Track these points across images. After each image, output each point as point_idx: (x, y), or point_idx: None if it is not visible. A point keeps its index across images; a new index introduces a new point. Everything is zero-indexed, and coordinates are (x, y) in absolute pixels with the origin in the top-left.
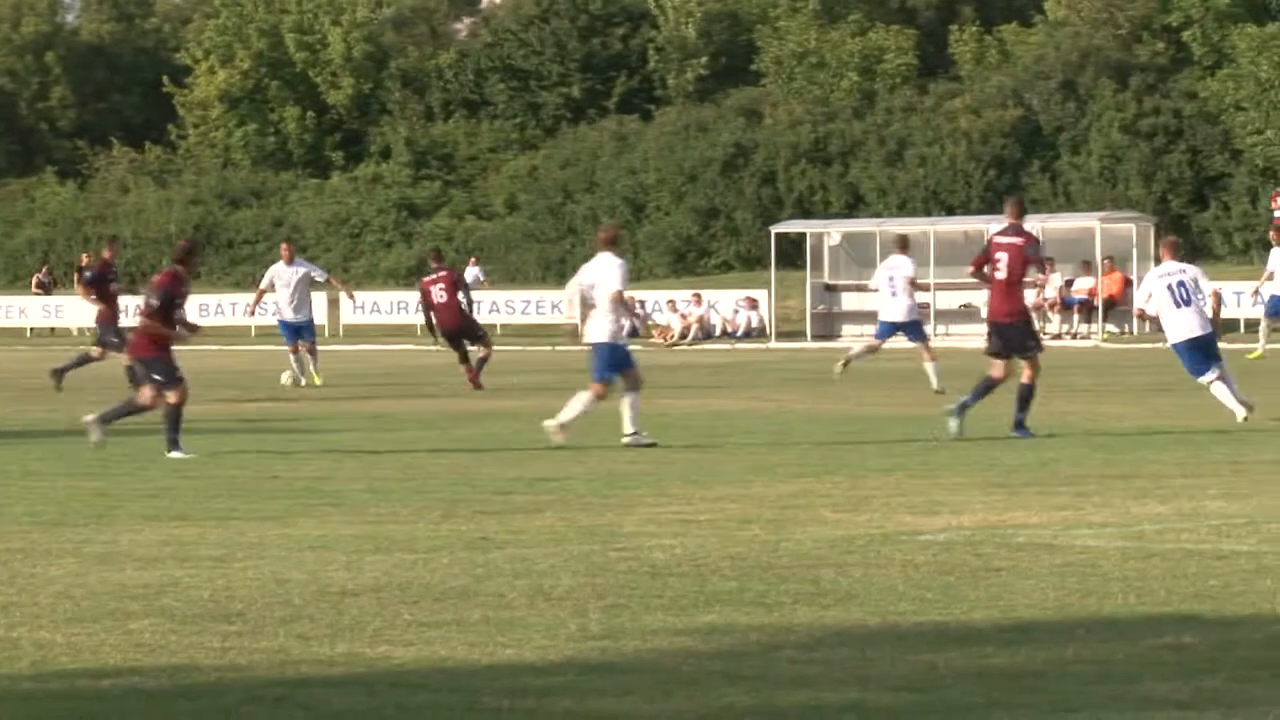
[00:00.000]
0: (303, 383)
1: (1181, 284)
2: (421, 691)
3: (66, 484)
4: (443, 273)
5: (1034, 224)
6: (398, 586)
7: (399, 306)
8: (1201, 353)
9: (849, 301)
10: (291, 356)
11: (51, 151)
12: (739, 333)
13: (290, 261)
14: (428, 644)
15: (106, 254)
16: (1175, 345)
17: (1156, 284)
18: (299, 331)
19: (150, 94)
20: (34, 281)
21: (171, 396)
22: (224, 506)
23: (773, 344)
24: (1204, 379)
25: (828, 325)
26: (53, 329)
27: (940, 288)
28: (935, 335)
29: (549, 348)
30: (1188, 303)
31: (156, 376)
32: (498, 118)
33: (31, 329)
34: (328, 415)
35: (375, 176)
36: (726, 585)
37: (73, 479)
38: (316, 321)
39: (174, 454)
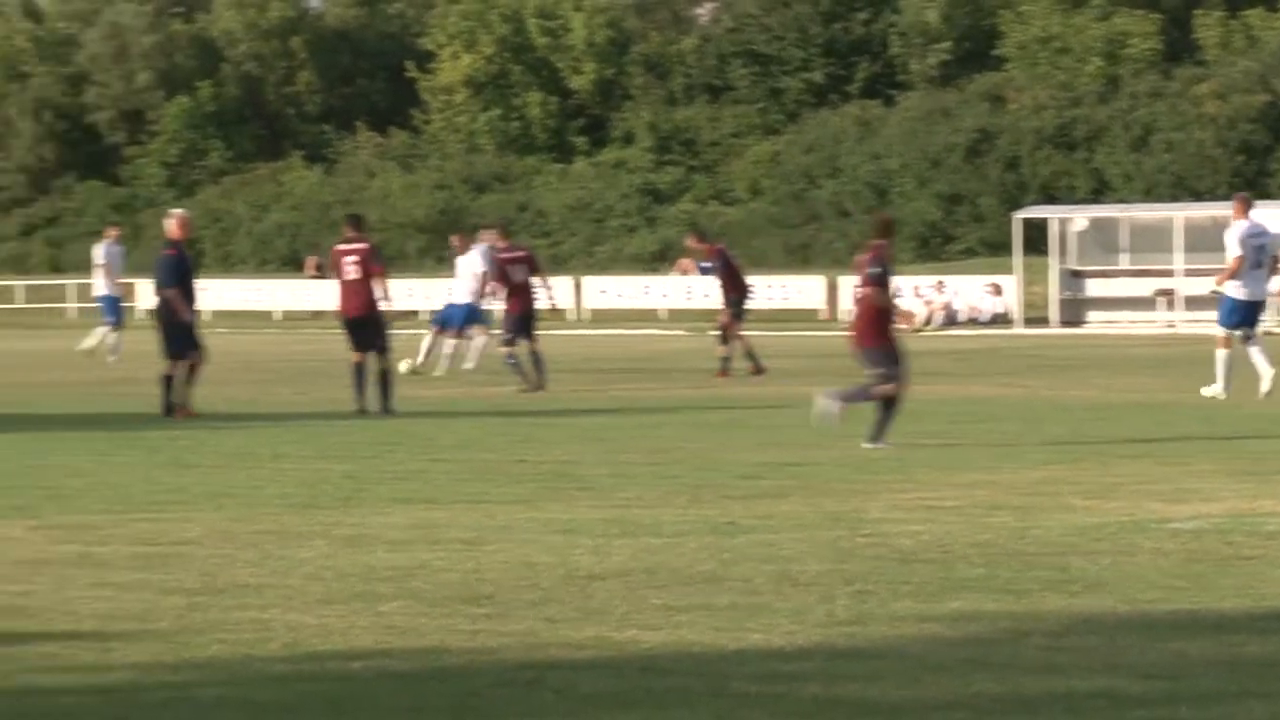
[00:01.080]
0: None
1: (1262, 247)
2: (669, 676)
3: (316, 467)
4: (520, 252)
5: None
6: (645, 571)
7: (643, 291)
8: (1250, 315)
9: (1095, 288)
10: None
11: (298, 136)
12: (984, 319)
13: (467, 250)
14: (675, 628)
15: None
16: (1233, 299)
17: (1244, 243)
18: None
19: (394, 79)
20: (310, 264)
21: (893, 388)
22: (473, 490)
23: (1019, 330)
24: (1246, 344)
25: (1074, 311)
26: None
27: (1190, 274)
28: (1182, 323)
29: (793, 333)
30: (1259, 266)
31: (879, 368)
32: (740, 102)
33: (285, 313)
34: (574, 400)
35: (618, 161)
36: (974, 572)
37: (322, 462)
38: (554, 306)
39: (872, 445)
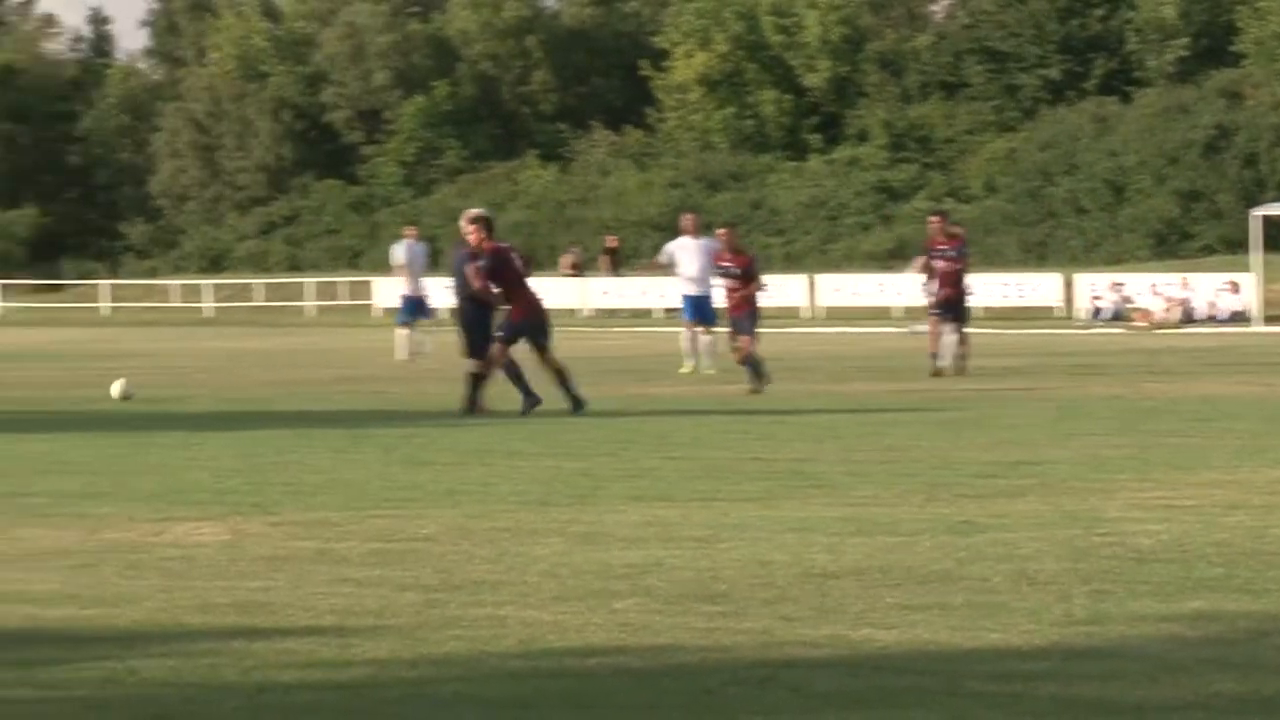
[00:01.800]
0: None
1: None
2: (905, 674)
3: (550, 464)
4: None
5: None
6: (880, 569)
7: (878, 289)
8: None
9: None
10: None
11: (533, 135)
12: (1222, 316)
13: (696, 235)
14: (910, 627)
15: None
16: None
17: None
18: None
19: (629, 77)
20: (566, 263)
21: None
22: (706, 487)
23: (1257, 328)
24: None
25: None
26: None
27: None
28: None
29: (1028, 331)
30: None
31: None
32: (975, 99)
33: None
34: (808, 397)
35: (852, 159)
36: (1213, 571)
37: (556, 459)
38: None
39: None
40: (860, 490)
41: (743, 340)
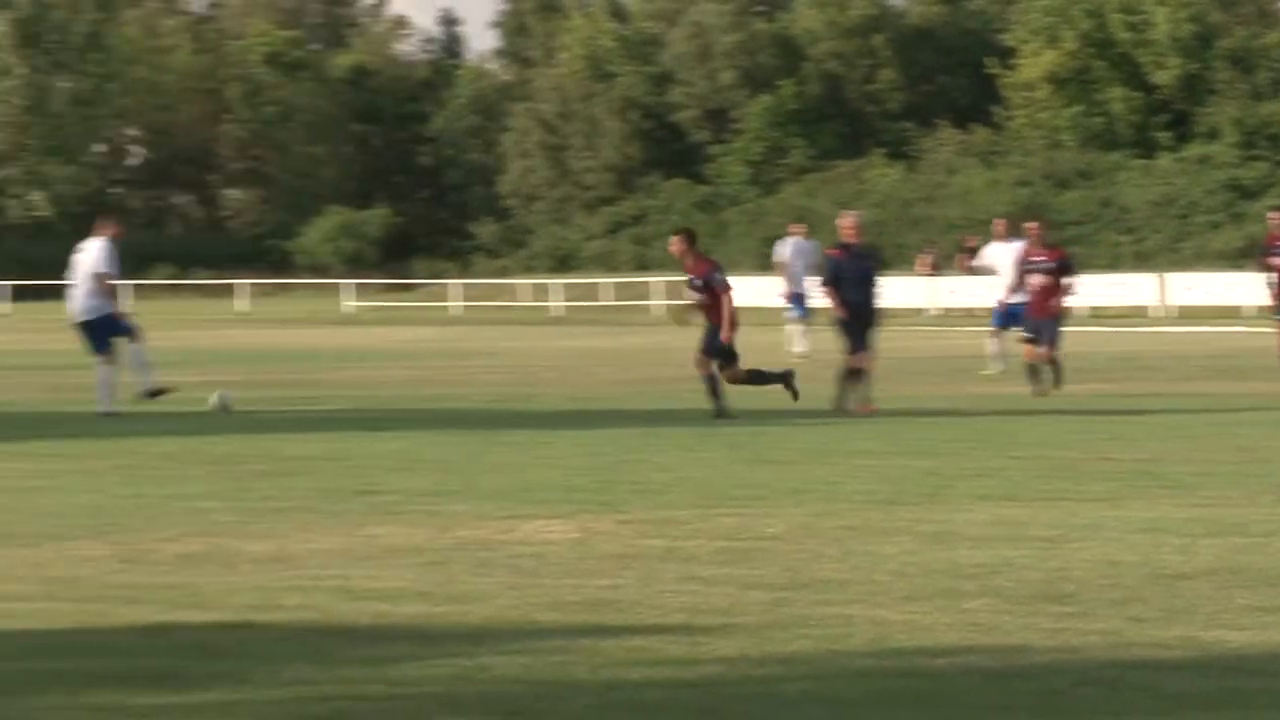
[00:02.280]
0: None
1: None
2: (1257, 676)
3: (899, 463)
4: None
5: None
6: (1231, 570)
7: (1229, 287)
8: None
9: None
10: (994, 341)
11: (879, 134)
12: None
13: (1008, 238)
14: (1263, 629)
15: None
16: None
17: None
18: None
19: (975, 75)
20: (925, 263)
21: None
22: (1054, 487)
23: None
24: None
25: None
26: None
27: None
28: None
29: None
30: None
31: None
32: None
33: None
34: (1156, 396)
35: (1203, 157)
36: None
37: (904, 458)
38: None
39: None
40: (1210, 490)
41: (1042, 350)
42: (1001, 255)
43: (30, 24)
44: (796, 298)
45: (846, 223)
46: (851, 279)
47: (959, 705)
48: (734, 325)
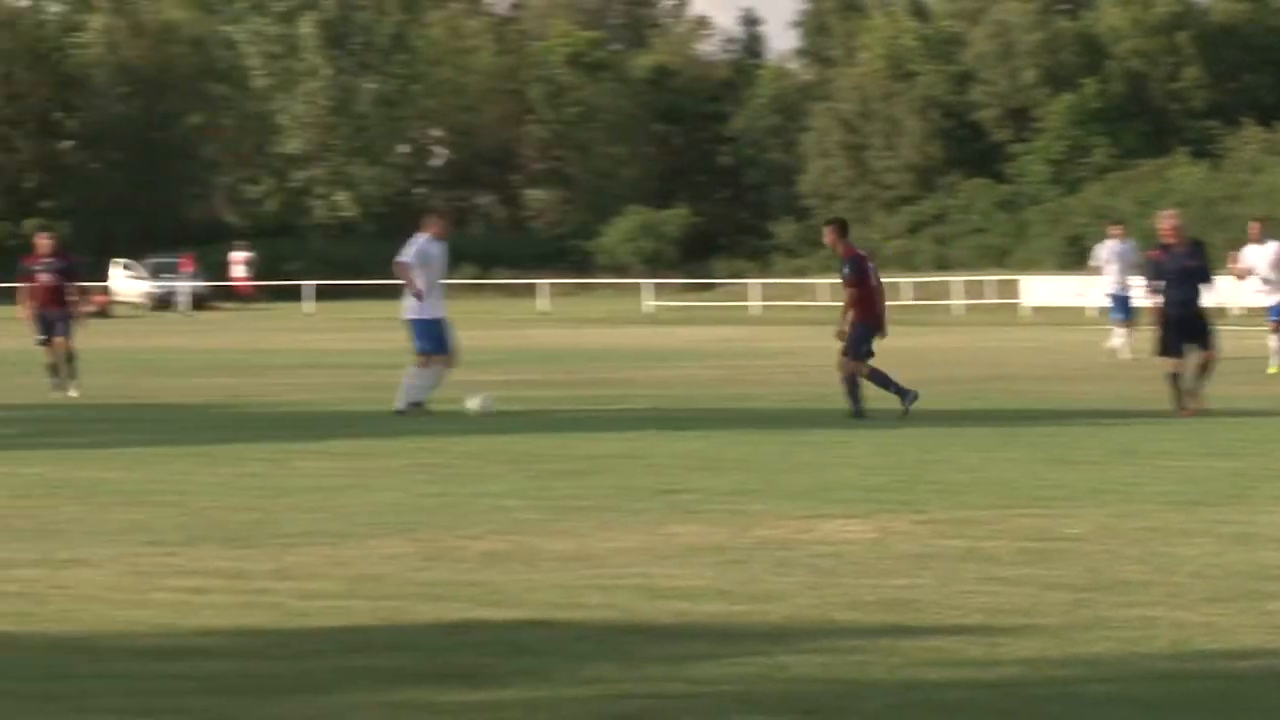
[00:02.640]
0: None
1: None
2: None
3: (1203, 464)
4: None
5: None
6: None
7: None
8: None
9: None
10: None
11: (1183, 132)
12: None
13: (1262, 240)
14: None
15: None
16: None
17: None
18: None
19: None
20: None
21: None
22: None
23: None
24: None
25: None
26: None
27: None
28: None
29: None
30: None
31: None
32: None
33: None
34: None
35: None
36: None
37: (1209, 459)
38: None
39: None
40: None
41: None
42: (1258, 256)
43: (336, 25)
44: (1118, 300)
45: (1165, 224)
46: (1173, 279)
47: (1261, 708)
48: (851, 312)
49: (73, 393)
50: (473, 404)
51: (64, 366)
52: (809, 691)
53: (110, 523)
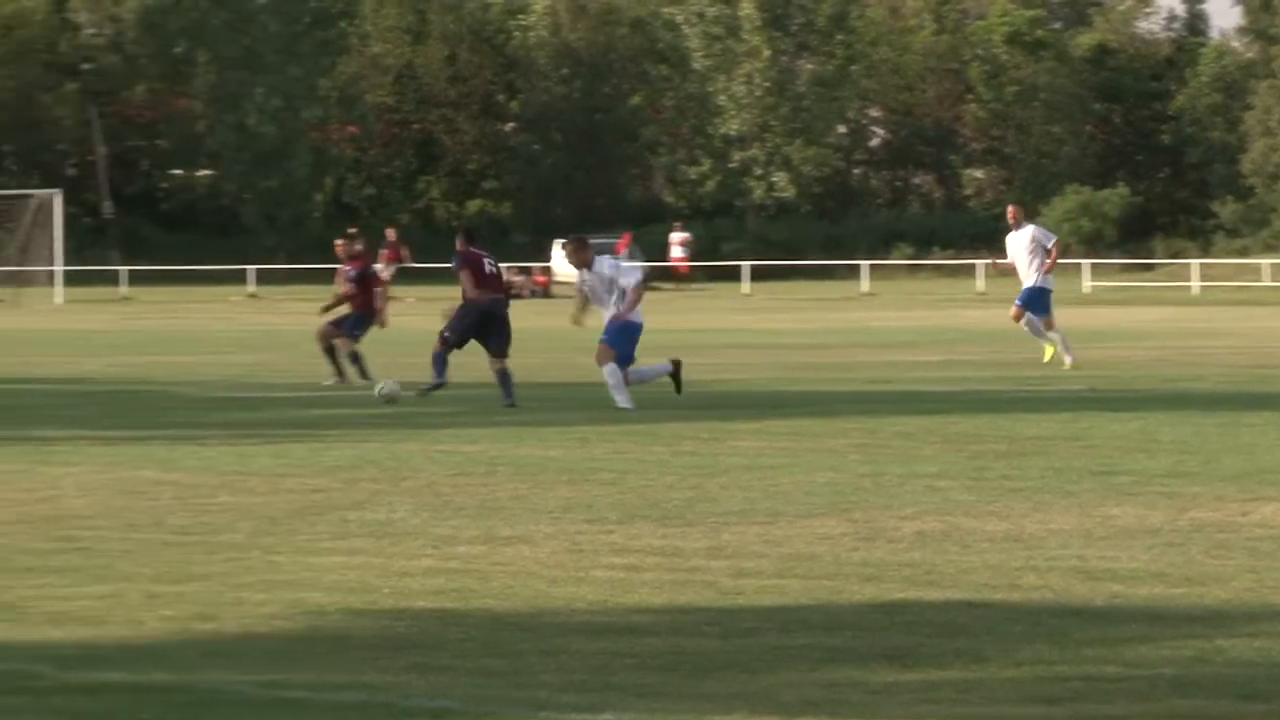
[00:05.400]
0: None
1: None
2: None
3: None
4: None
5: None
6: None
7: None
8: None
9: None
10: None
11: None
12: None
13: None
14: None
15: None
16: None
17: None
18: None
19: None
20: None
21: None
22: None
23: None
24: None
25: None
26: None
27: None
28: None
29: None
30: None
31: None
32: None
33: None
34: None
35: None
36: None
37: None
38: None
39: None
40: None
41: None
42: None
43: (776, 6)
44: None
45: None
46: None
47: None
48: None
49: (327, 381)
50: (382, 388)
51: (341, 362)
52: (1246, 675)
53: (550, 500)
